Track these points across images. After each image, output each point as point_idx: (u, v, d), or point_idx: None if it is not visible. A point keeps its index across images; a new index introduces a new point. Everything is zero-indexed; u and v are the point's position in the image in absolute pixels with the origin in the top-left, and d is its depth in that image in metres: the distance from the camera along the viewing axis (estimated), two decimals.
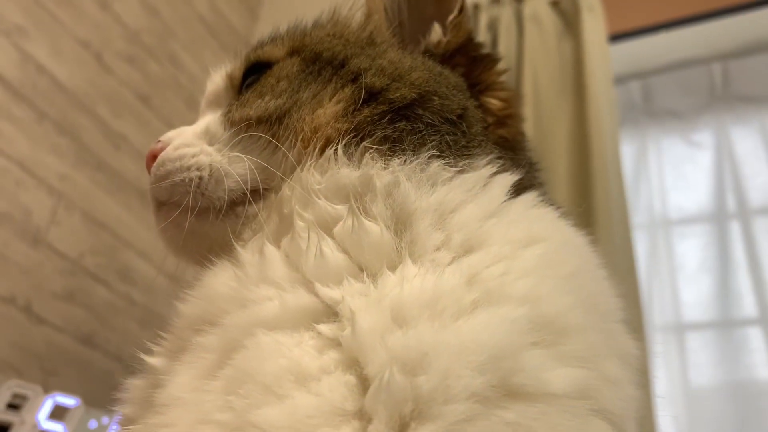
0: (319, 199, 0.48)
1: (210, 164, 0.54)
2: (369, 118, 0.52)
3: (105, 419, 1.45)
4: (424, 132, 0.51)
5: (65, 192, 1.82)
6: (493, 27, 2.08)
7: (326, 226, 0.47)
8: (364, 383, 0.38)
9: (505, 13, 2.06)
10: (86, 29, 1.95)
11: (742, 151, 2.17)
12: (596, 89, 1.86)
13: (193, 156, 0.55)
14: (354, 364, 0.39)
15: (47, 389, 1.46)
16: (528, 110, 1.89)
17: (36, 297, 1.71)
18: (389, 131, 0.51)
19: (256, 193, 0.54)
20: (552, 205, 0.56)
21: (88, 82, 1.93)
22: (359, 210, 0.46)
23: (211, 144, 0.57)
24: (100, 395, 1.77)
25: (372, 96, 0.54)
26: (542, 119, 1.89)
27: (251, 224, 0.52)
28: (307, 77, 0.58)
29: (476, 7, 2.12)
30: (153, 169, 0.57)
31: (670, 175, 2.25)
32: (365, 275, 0.43)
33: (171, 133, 0.59)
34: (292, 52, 0.62)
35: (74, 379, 1.74)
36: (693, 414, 1.91)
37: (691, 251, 2.12)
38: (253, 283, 0.45)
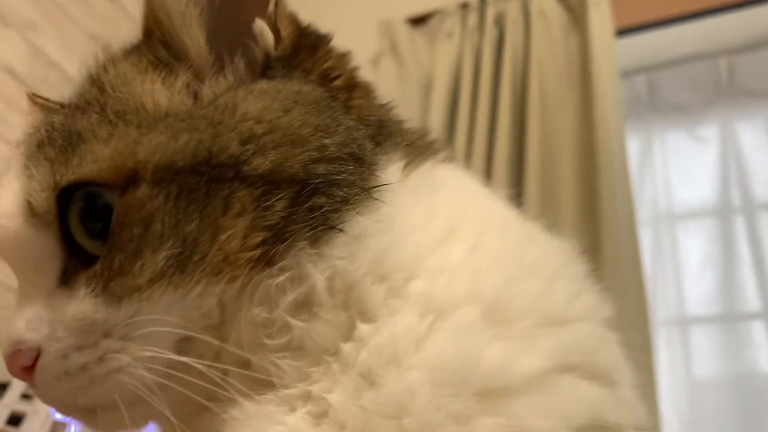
0: (273, 338, 0.43)
1: (131, 363, 0.43)
2: (284, 215, 0.43)
3: None
4: (340, 197, 0.44)
5: None
6: (499, 22, 2.08)
7: (282, 349, 0.43)
8: None
9: (512, 8, 2.06)
10: (96, 23, 1.96)
11: (747, 146, 2.18)
12: (602, 84, 1.86)
13: (101, 360, 0.42)
14: (348, 427, 0.39)
15: None
16: (534, 104, 1.90)
17: None
18: (313, 222, 0.43)
19: (186, 344, 0.44)
20: (438, 158, 0.53)
21: None
22: (306, 317, 0.43)
23: (109, 335, 0.42)
24: None
25: (270, 184, 0.43)
26: (548, 113, 1.90)
27: (199, 374, 0.43)
28: (178, 204, 0.42)
29: (483, 1, 2.12)
30: (45, 386, 0.44)
31: (675, 169, 2.26)
32: (326, 357, 0.42)
33: (25, 335, 0.43)
34: (133, 177, 0.43)
35: None
36: (696, 407, 1.92)
37: (696, 246, 2.13)
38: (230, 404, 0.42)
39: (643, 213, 2.15)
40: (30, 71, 1.75)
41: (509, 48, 2.00)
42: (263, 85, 0.48)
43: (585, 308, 0.46)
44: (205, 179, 0.43)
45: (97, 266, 0.43)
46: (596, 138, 1.80)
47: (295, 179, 0.43)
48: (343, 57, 0.54)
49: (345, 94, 0.51)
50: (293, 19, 0.51)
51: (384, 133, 0.51)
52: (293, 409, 0.41)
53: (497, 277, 0.44)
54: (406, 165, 0.49)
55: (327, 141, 0.45)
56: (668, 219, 2.20)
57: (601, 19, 1.95)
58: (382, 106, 0.56)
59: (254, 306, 0.43)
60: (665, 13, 2.05)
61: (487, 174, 1.83)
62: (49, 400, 0.44)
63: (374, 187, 0.45)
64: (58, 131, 0.46)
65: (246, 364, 0.43)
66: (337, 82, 0.51)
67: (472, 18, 2.12)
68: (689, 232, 2.16)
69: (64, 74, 1.84)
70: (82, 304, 0.43)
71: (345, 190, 0.44)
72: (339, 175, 0.44)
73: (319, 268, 0.42)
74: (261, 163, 0.43)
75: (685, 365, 1.97)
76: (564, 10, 2.05)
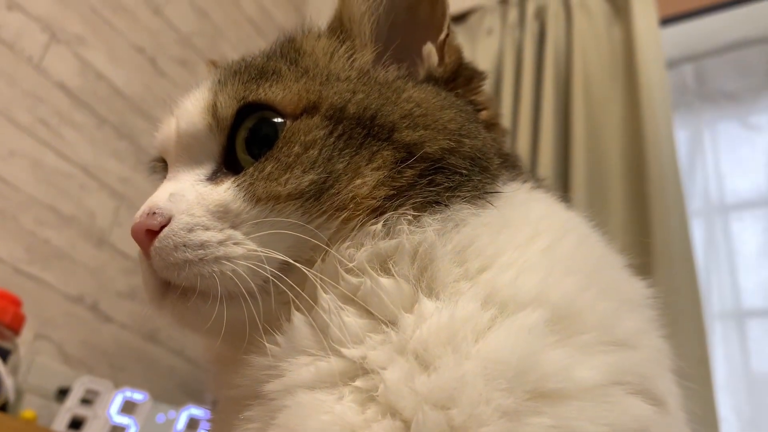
0: (349, 275, 0.47)
1: (245, 256, 0.48)
2: (410, 182, 0.50)
3: (172, 413, 1.50)
4: (458, 183, 0.50)
5: (126, 194, 1.88)
6: (540, 16, 2.06)
7: (351, 295, 0.47)
8: (408, 426, 0.40)
9: (553, 2, 2.04)
10: (140, 35, 2.01)
11: None
12: (648, 74, 1.83)
13: (220, 244, 0.48)
14: (395, 411, 0.41)
15: (116, 385, 1.53)
16: (579, 98, 1.87)
17: (102, 296, 1.77)
18: (426, 194, 0.49)
19: (287, 267, 0.49)
20: (540, 185, 0.58)
21: (143, 87, 1.99)
22: (379, 270, 0.47)
23: (234, 226, 0.49)
24: (164, 390, 1.83)
25: (410, 153, 0.50)
26: (593, 107, 1.87)
27: (280, 297, 0.49)
28: (337, 142, 0.50)
29: None
30: (160, 253, 0.49)
31: (727, 159, 2.20)
32: (386, 326, 0.45)
33: (163, 203, 0.50)
34: (310, 108, 0.52)
35: (141, 375, 1.81)
36: (755, 402, 1.87)
37: (751, 236, 2.07)
38: (286, 354, 0.46)
39: (694, 204, 2.10)
40: (80, 85, 1.80)
41: (551, 42, 1.98)
42: (428, 86, 0.57)
43: (651, 345, 0.47)
44: (364, 133, 0.51)
45: (249, 169, 0.51)
46: (644, 130, 1.77)
47: (429, 157, 0.50)
48: (492, 99, 0.61)
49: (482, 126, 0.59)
50: (458, 51, 0.60)
51: (509, 161, 0.58)
52: (341, 398, 0.42)
53: (568, 285, 0.45)
54: (517, 189, 0.55)
55: (466, 140, 0.53)
56: (721, 210, 2.15)
57: (644, 9, 1.92)
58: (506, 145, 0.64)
59: (347, 242, 0.48)
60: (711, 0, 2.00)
61: (531, 171, 1.82)
62: (160, 267, 0.49)
63: (490, 192, 0.51)
64: (253, 67, 0.56)
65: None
66: (481, 115, 0.60)
67: (512, 13, 2.10)
68: (743, 223, 2.11)
69: (112, 86, 1.89)
70: (225, 193, 0.50)
71: (464, 182, 0.51)
72: (464, 170, 0.51)
73: (412, 231, 0.47)
74: (409, 135, 0.51)
75: (743, 359, 1.92)
76: (606, 1, 2.01)
